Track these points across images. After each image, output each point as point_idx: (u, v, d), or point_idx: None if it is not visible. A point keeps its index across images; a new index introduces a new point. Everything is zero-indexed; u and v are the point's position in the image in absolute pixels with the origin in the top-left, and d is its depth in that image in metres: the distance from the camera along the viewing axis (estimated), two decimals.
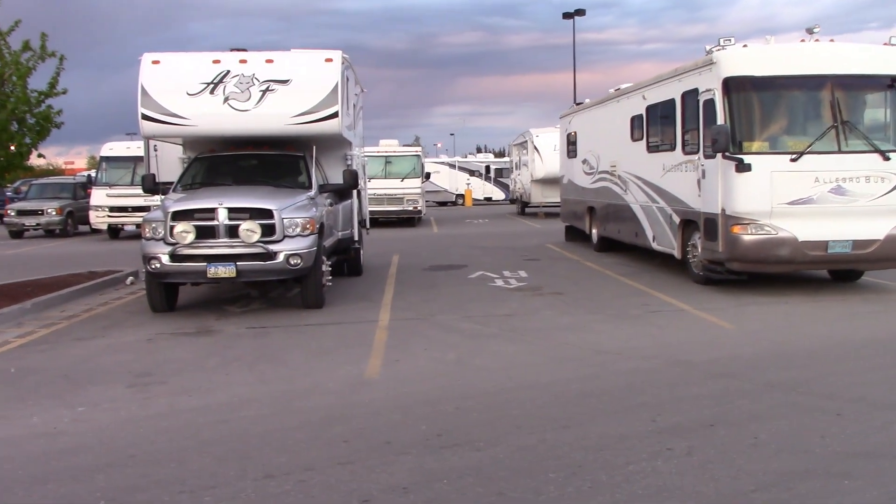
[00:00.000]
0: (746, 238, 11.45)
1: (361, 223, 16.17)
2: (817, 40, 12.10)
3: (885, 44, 11.99)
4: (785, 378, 7.41)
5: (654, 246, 14.90)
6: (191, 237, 10.78)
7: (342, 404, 6.92)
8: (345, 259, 14.84)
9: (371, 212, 20.64)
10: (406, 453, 5.58)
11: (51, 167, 64.69)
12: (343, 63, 12.78)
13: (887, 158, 11.40)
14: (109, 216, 27.16)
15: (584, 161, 19.73)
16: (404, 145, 36.52)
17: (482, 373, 7.95)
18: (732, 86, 11.72)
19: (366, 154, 20.91)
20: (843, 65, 11.76)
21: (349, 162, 14.25)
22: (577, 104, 22.55)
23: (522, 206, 37.28)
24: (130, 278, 15.20)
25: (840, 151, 11.46)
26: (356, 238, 15.14)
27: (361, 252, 15.76)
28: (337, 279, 13.60)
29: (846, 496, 4.73)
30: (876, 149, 11.46)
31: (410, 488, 4.95)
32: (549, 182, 30.97)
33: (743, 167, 11.34)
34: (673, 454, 5.43)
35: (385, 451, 5.62)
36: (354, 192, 14.53)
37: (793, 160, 11.33)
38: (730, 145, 11.46)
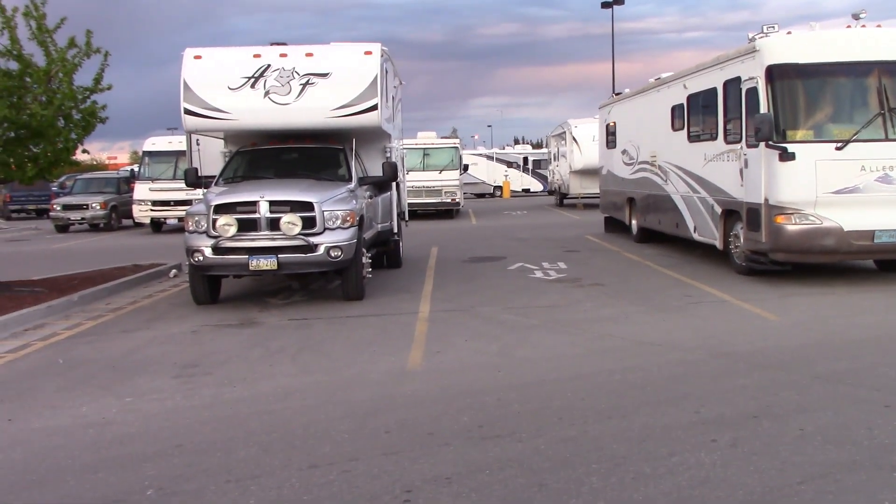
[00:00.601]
0: (790, 228, 11.30)
1: (400, 215, 16.22)
2: (864, 26, 11.89)
3: None
4: (831, 369, 7.32)
5: (696, 237, 14.76)
6: (233, 230, 10.89)
7: (385, 395, 6.97)
8: (384, 251, 14.93)
9: (409, 204, 20.69)
10: (448, 444, 5.60)
11: (94, 162, 65.62)
12: (382, 55, 12.82)
13: None
14: (152, 210, 27.55)
15: (624, 151, 19.59)
16: (442, 137, 36.45)
17: (524, 364, 7.96)
18: (776, 74, 11.55)
19: (404, 146, 20.95)
20: (890, 50, 11.52)
21: (388, 154, 14.30)
22: (617, 94, 22.38)
23: (561, 197, 37.09)
24: (174, 271, 15.42)
25: (887, 139, 11.24)
26: (395, 230, 15.19)
27: (401, 244, 15.81)
28: (377, 271, 13.66)
29: (895, 489, 4.66)
30: None
31: (453, 479, 4.97)
32: (588, 173, 30.75)
33: (787, 156, 11.18)
34: (717, 446, 5.39)
35: (428, 442, 5.66)
36: (393, 184, 14.57)
37: (838, 148, 11.14)
38: (773, 134, 11.30)
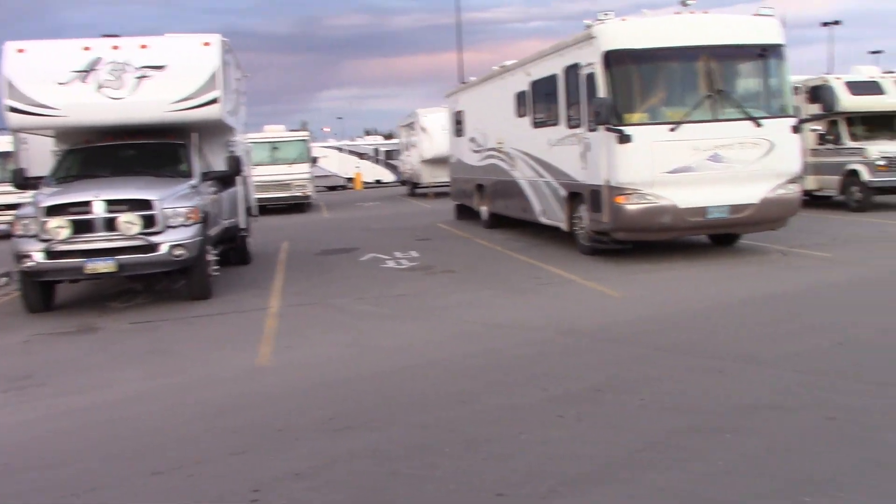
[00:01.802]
0: (629, 207, 11.73)
1: (248, 210, 15.84)
2: (692, 12, 12.44)
3: (755, 14, 12.44)
4: (671, 341, 7.64)
5: (543, 220, 15.12)
6: (66, 232, 10.32)
7: (234, 394, 6.77)
8: (231, 247, 14.52)
9: (259, 199, 20.21)
10: (299, 439, 5.49)
11: None
12: (222, 47, 12.43)
13: (760, 125, 11.84)
14: None
15: (472, 139, 19.82)
16: (291, 130, 35.85)
17: (377, 353, 7.91)
18: (612, 59, 11.92)
19: (251, 140, 20.47)
20: (716, 36, 12.11)
21: (232, 148, 13.91)
22: (463, 83, 22.60)
23: (412, 187, 37.21)
24: (3, 279, 14.47)
25: (716, 120, 11.83)
26: (242, 226, 14.82)
27: (249, 240, 15.44)
28: (224, 269, 13.27)
29: (728, 449, 4.90)
30: (749, 116, 11.89)
31: (303, 474, 4.87)
32: (439, 162, 30.91)
33: (624, 139, 11.60)
34: (564, 421, 5.52)
35: (278, 439, 5.52)
36: (239, 178, 14.19)
37: (671, 130, 11.64)
38: (611, 118, 11.68)
